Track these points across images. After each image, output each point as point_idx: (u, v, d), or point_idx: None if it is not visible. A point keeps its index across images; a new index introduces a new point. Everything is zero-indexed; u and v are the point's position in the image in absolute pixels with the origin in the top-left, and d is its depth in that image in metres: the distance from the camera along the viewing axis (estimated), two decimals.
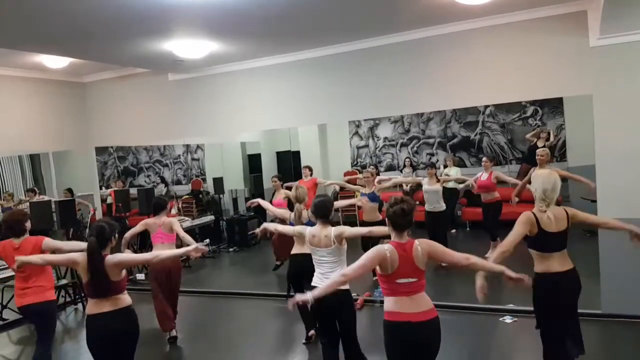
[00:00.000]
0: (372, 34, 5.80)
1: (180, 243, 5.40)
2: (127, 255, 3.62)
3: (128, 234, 5.38)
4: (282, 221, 5.25)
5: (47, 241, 4.22)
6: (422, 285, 2.93)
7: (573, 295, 3.40)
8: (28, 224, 4.26)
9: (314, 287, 3.73)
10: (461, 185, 7.85)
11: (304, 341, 5.02)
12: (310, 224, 4.88)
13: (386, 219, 2.99)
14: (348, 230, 3.92)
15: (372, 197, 6.58)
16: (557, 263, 3.34)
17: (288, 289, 5.08)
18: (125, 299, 3.42)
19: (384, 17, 5.18)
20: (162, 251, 3.95)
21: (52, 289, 4.31)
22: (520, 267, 2.97)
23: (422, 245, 2.91)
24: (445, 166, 9.33)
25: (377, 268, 2.90)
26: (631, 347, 4.55)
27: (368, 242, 6.42)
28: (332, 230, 3.87)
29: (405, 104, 6.17)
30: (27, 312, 4.23)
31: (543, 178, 3.40)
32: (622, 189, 4.92)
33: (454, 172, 8.82)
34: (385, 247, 2.88)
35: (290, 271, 4.93)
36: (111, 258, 3.32)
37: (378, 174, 8.69)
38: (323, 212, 3.94)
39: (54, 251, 4.14)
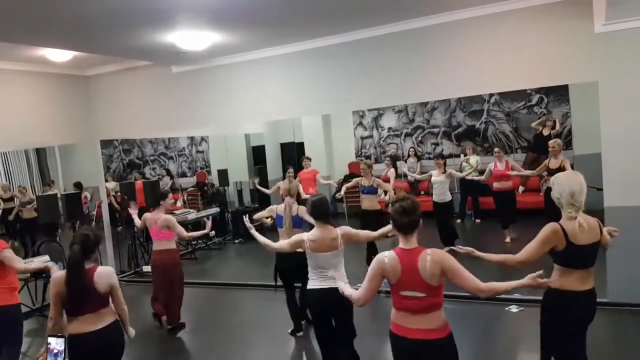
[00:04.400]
0: (375, 22, 5.75)
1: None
2: (119, 292, 3.20)
3: (139, 225, 5.78)
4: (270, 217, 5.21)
5: (5, 254, 3.84)
6: (434, 304, 2.55)
7: (586, 321, 3.08)
8: None
9: (314, 289, 3.68)
10: (482, 177, 7.76)
11: (289, 331, 5.11)
12: (298, 219, 4.85)
13: (390, 221, 2.68)
14: (361, 235, 3.78)
15: (371, 190, 6.87)
16: (578, 281, 2.96)
17: (275, 281, 5.05)
18: (111, 313, 3.18)
19: (387, 5, 5.14)
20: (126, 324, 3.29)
21: (15, 291, 3.97)
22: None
23: (432, 256, 2.51)
24: (465, 154, 9.31)
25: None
26: (639, 336, 4.54)
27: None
28: (339, 231, 3.65)
29: (409, 93, 6.13)
30: None
31: (568, 180, 2.97)
32: (628, 177, 4.88)
33: (474, 160, 8.80)
34: (385, 255, 2.61)
35: (280, 267, 4.93)
36: (112, 274, 3.15)
37: (394, 166, 8.79)
38: (322, 212, 3.67)
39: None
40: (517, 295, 5.34)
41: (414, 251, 2.57)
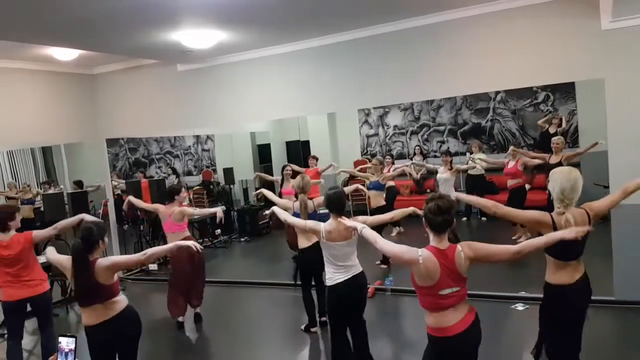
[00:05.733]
0: (380, 20, 5.73)
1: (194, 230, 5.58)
2: (120, 257, 3.39)
3: (133, 200, 6.01)
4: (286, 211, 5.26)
5: (36, 233, 4.21)
6: (464, 294, 2.63)
7: (580, 309, 3.15)
8: (14, 223, 4.15)
9: (340, 282, 3.76)
10: (495, 159, 7.94)
11: (302, 327, 5.12)
12: (314, 215, 4.88)
13: (423, 219, 2.65)
14: (369, 220, 3.82)
15: (377, 186, 6.95)
16: (568, 274, 3.07)
17: (295, 279, 5.10)
18: (121, 300, 3.23)
19: (392, 3, 5.13)
20: (152, 248, 3.47)
21: (46, 280, 4.33)
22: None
23: (464, 250, 2.58)
24: (471, 152, 9.29)
25: (416, 278, 2.59)
26: None
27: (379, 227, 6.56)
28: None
29: (415, 91, 6.11)
30: (21, 306, 4.20)
31: (561, 176, 3.06)
32: (635, 174, 4.82)
33: (479, 157, 8.78)
34: (419, 254, 2.54)
35: (303, 265, 4.97)
36: (103, 261, 3.13)
37: (393, 163, 8.78)
38: (339, 205, 3.78)
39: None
40: (523, 294, 5.34)
41: (450, 250, 2.58)
